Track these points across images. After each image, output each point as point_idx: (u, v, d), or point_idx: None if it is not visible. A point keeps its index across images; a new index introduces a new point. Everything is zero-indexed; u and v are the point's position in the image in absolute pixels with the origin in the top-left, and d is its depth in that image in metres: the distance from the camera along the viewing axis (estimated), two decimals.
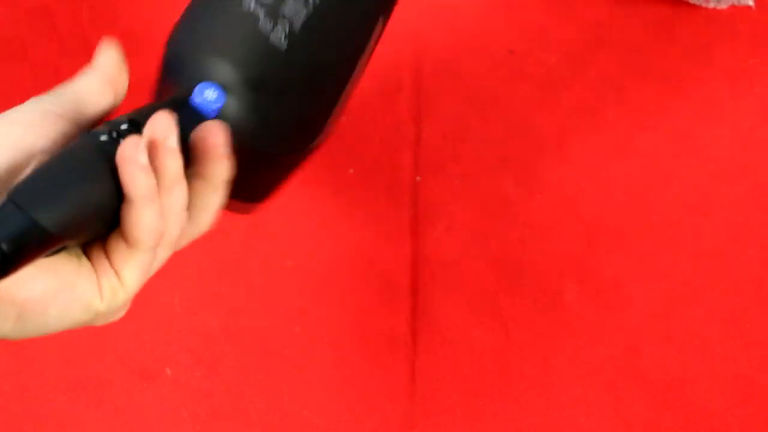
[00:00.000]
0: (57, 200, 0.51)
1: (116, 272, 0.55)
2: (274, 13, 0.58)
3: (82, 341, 0.94)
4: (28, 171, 0.53)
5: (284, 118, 0.59)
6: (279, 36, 0.58)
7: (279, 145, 0.60)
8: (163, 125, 0.52)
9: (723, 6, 1.01)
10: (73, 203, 0.51)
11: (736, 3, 1.01)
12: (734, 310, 0.95)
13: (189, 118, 0.56)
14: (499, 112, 0.99)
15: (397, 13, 1.02)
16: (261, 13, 0.58)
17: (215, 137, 0.54)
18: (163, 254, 0.56)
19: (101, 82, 0.57)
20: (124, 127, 0.54)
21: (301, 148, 0.61)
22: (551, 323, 0.95)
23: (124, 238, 0.53)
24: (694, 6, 1.01)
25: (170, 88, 0.59)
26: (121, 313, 0.57)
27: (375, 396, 0.93)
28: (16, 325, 0.53)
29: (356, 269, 0.96)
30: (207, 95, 0.55)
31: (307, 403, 0.93)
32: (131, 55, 0.61)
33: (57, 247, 0.52)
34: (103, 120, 0.57)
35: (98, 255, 0.55)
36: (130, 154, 0.51)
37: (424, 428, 0.93)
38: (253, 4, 0.59)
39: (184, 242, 0.58)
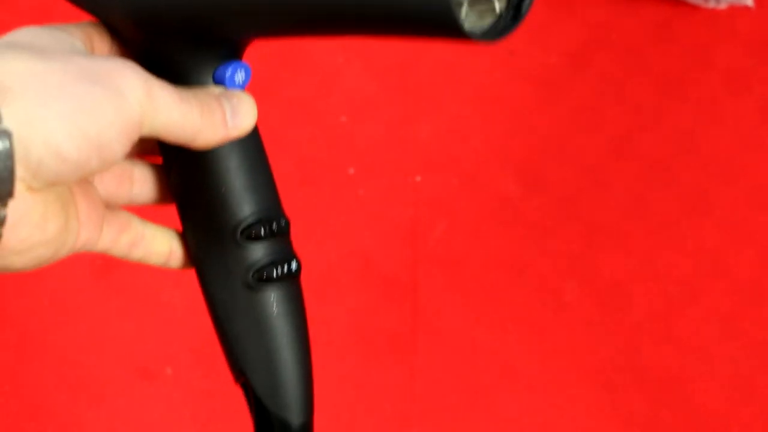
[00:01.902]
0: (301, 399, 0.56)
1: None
2: None
3: (82, 341, 0.94)
4: None
5: None
6: None
7: None
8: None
9: (722, 6, 1.01)
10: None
11: (735, 3, 1.01)
12: (734, 310, 0.95)
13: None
14: (499, 112, 0.99)
15: None
16: None
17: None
18: None
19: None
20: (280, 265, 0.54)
21: None
22: (551, 323, 0.95)
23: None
24: (693, 6, 1.01)
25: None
26: None
27: (375, 396, 0.93)
28: None
29: (356, 269, 0.96)
30: (236, 78, 0.54)
31: None
32: None
33: None
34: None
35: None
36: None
37: (423, 428, 0.93)
38: None
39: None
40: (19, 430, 0.92)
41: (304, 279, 0.99)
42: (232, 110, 0.51)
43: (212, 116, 0.50)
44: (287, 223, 0.54)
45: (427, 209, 0.97)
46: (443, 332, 0.95)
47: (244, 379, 0.55)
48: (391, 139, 0.98)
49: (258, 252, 0.53)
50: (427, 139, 0.98)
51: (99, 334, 0.94)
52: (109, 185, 0.54)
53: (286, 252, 0.54)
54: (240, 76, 0.53)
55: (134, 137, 0.48)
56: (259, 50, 1.03)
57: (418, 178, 0.98)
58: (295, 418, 0.55)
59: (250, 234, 0.53)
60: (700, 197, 0.97)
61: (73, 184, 0.51)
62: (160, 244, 0.55)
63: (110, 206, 0.54)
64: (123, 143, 0.47)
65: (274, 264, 0.53)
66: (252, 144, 0.53)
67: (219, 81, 0.52)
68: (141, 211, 0.56)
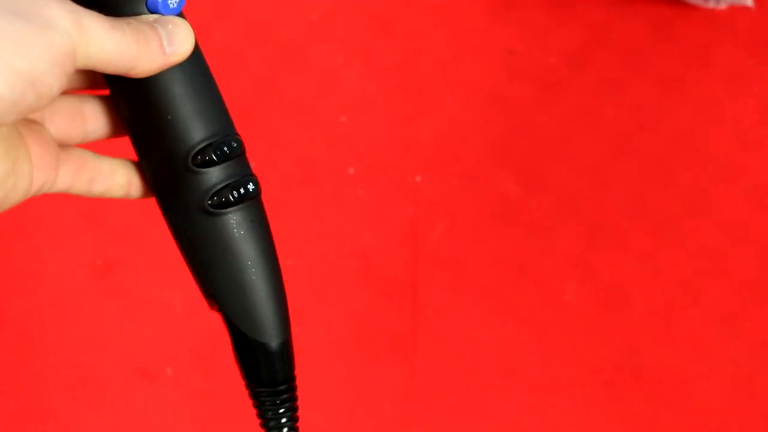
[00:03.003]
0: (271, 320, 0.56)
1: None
2: None
3: (82, 341, 0.94)
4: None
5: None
6: None
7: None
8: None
9: (722, 6, 1.01)
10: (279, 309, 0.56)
11: (735, 3, 1.01)
12: (734, 310, 0.95)
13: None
14: (499, 112, 0.99)
15: (398, 13, 1.02)
16: None
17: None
18: None
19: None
20: (243, 186, 0.54)
21: None
22: (551, 323, 0.95)
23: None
24: (693, 6, 1.01)
25: None
26: None
27: (375, 396, 0.93)
28: None
29: (356, 269, 0.96)
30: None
31: (307, 403, 0.93)
32: None
33: None
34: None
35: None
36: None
37: (423, 428, 0.93)
38: None
39: None
40: (19, 430, 0.93)
41: (305, 278, 1.00)
42: (168, 36, 0.51)
43: (148, 43, 0.50)
44: (240, 145, 0.54)
45: (427, 209, 0.97)
46: (443, 332, 0.95)
47: (218, 306, 0.55)
48: (391, 139, 0.98)
49: (212, 177, 0.53)
50: (427, 139, 0.98)
51: (99, 334, 0.94)
52: (61, 124, 0.54)
53: (241, 174, 0.54)
54: (173, 1, 0.52)
55: (69, 69, 0.47)
56: (259, 50, 1.03)
57: (418, 178, 0.97)
58: (271, 339, 0.55)
59: (201, 159, 0.53)
60: (700, 197, 0.97)
61: (21, 126, 0.51)
62: (120, 176, 0.55)
63: (64, 145, 0.54)
64: (57, 76, 0.47)
65: (229, 187, 0.53)
66: (195, 69, 0.53)
67: (152, 9, 0.52)
68: (98, 146, 0.55)
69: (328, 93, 0.99)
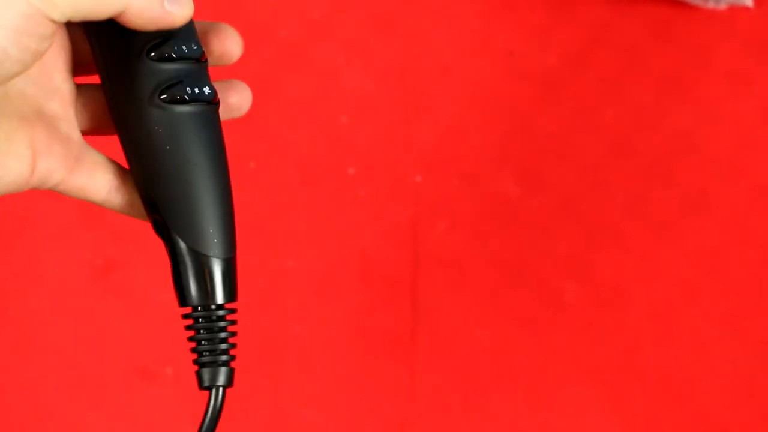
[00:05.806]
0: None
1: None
2: None
3: (82, 341, 0.94)
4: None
5: None
6: None
7: None
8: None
9: (722, 6, 1.01)
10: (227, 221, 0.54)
11: (734, 3, 1.01)
12: (734, 310, 0.95)
13: None
14: (499, 112, 0.99)
15: (398, 13, 1.02)
16: None
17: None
18: None
19: None
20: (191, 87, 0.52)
21: None
22: (551, 323, 0.95)
23: None
24: (693, 6, 1.01)
25: None
26: None
27: (375, 396, 0.93)
28: None
29: (356, 269, 0.96)
30: None
31: (307, 403, 0.93)
32: None
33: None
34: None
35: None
36: None
37: (423, 428, 0.93)
38: None
39: None
40: (19, 430, 0.93)
41: (305, 278, 1.00)
42: None
43: None
44: (200, 51, 0.53)
45: (427, 209, 0.97)
46: (443, 332, 0.95)
47: (159, 217, 0.53)
48: (391, 139, 0.98)
49: (168, 71, 0.52)
50: (427, 139, 0.98)
51: (99, 334, 0.94)
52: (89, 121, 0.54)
53: (197, 77, 0.53)
54: None
55: (43, 30, 0.45)
56: (259, 50, 1.03)
57: (418, 178, 0.97)
58: (216, 253, 0.54)
59: (158, 52, 0.52)
60: (700, 197, 0.97)
61: (28, 111, 0.49)
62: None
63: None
64: (24, 44, 0.45)
65: (183, 84, 0.52)
66: None
67: None
68: None
69: (328, 93, 0.99)
